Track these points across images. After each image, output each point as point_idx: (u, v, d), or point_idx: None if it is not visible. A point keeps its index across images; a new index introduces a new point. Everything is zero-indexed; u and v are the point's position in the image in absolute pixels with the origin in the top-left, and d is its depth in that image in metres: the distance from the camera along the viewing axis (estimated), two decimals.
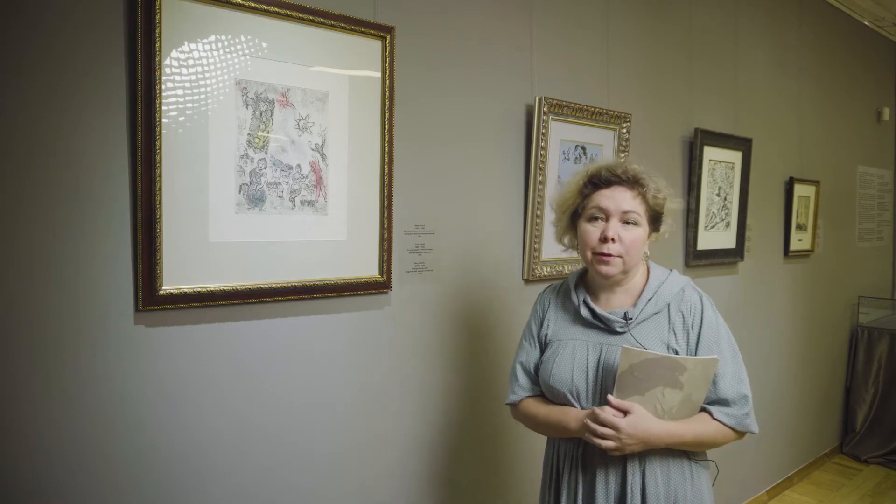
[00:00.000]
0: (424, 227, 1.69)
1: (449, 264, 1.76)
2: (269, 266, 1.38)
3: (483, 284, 1.85)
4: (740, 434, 1.23)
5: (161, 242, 1.22)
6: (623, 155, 2.18)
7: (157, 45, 1.19)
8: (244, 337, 1.37)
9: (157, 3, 1.18)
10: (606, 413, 1.14)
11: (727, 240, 2.76)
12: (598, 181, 1.25)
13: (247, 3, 1.30)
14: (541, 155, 1.91)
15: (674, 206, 1.29)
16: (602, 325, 1.25)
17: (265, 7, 1.33)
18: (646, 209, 1.24)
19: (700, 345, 1.22)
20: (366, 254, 1.55)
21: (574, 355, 1.25)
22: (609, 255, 1.21)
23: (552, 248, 2.01)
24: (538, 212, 1.93)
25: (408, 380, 1.68)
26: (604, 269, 1.22)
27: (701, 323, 1.23)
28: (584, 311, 1.27)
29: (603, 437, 1.14)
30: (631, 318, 1.23)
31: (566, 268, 2.05)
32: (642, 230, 1.23)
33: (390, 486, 1.65)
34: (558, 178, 1.99)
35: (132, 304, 1.22)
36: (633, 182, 1.23)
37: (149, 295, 1.22)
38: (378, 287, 1.57)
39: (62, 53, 1.13)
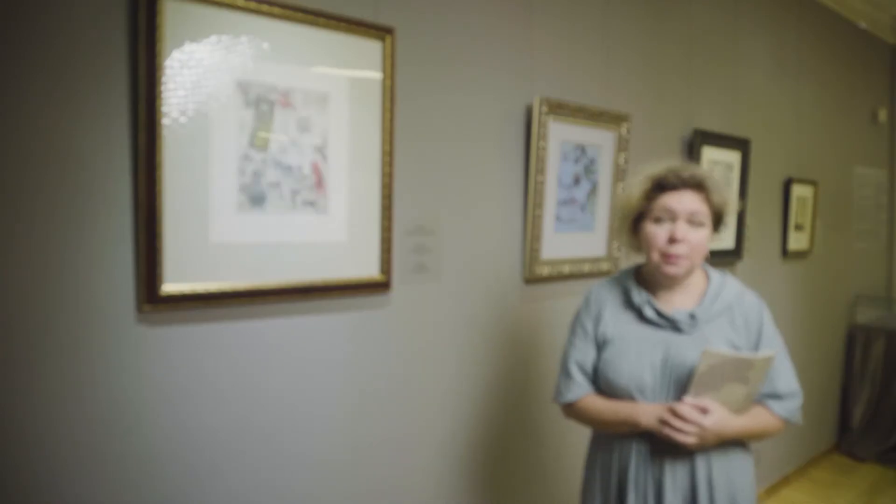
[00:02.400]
0: (425, 228, 1.69)
1: (449, 265, 1.76)
2: (270, 266, 1.38)
3: (483, 285, 1.85)
4: (787, 425, 1.32)
5: (162, 243, 1.22)
6: (623, 155, 2.18)
7: (159, 45, 1.19)
8: (245, 337, 1.37)
9: (159, 3, 1.18)
10: (688, 410, 1.18)
11: (726, 240, 2.77)
12: (664, 184, 1.28)
13: (248, 4, 1.30)
14: (540, 155, 1.91)
15: (735, 206, 1.33)
16: (667, 324, 1.29)
17: (266, 8, 1.33)
18: (710, 211, 1.28)
19: (761, 344, 1.29)
20: (366, 254, 1.55)
21: (640, 353, 1.28)
22: (677, 255, 1.25)
23: (552, 248, 2.01)
24: (538, 212, 1.94)
25: (408, 380, 1.68)
26: (671, 269, 1.27)
27: (762, 324, 1.30)
28: (649, 311, 1.31)
29: (685, 432, 1.18)
30: (697, 318, 1.27)
31: (566, 268, 2.05)
32: (707, 231, 1.28)
33: (390, 488, 1.65)
34: (558, 178, 2.00)
35: (133, 304, 1.22)
36: (699, 186, 1.28)
37: (150, 295, 1.22)
38: (378, 287, 1.57)
39: (63, 54, 1.13)
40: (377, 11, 1.55)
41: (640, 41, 2.35)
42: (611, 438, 1.35)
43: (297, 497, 1.47)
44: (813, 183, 3.37)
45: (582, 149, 2.06)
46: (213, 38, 1.27)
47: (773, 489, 3.22)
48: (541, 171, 1.92)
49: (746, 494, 1.29)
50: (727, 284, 1.33)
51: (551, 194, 1.98)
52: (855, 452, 3.69)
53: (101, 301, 1.18)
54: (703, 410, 1.19)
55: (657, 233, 1.27)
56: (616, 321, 1.35)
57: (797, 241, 3.30)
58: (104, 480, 1.19)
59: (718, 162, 2.68)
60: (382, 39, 1.53)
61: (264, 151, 1.36)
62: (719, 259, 2.74)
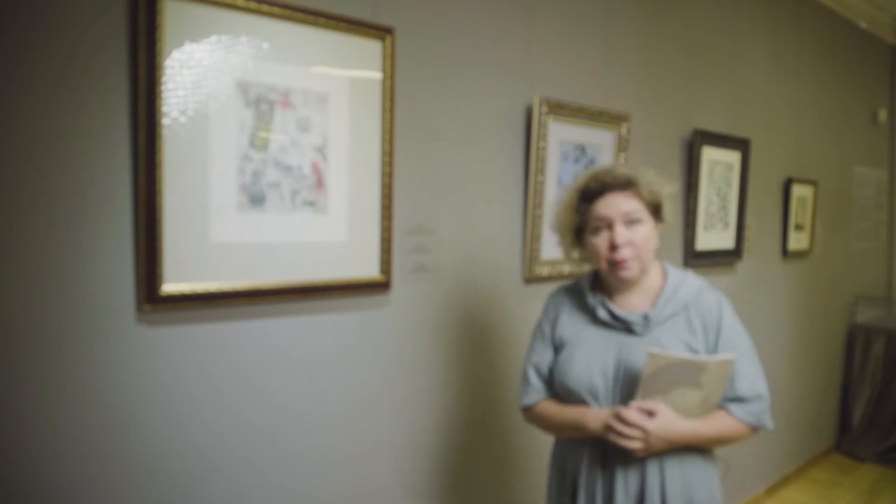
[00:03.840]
0: (425, 228, 1.69)
1: (449, 264, 1.76)
2: (270, 266, 1.38)
3: (483, 284, 1.85)
4: (755, 430, 1.26)
5: (162, 243, 1.22)
6: (622, 155, 2.18)
7: (159, 45, 1.19)
8: (245, 337, 1.37)
9: (159, 3, 1.18)
10: (633, 414, 1.15)
11: (726, 240, 2.77)
12: (590, 194, 1.25)
13: (248, 4, 1.30)
14: (540, 155, 1.91)
15: (670, 191, 1.29)
16: (620, 326, 1.26)
17: (266, 8, 1.33)
18: (645, 205, 1.24)
19: (720, 345, 1.23)
20: (366, 254, 1.55)
21: (591, 356, 1.25)
22: (623, 259, 1.21)
23: (552, 249, 2.01)
24: (538, 212, 1.94)
25: (408, 380, 1.68)
26: (624, 273, 1.23)
27: (720, 324, 1.24)
28: (603, 313, 1.27)
29: (629, 437, 1.14)
30: (650, 320, 1.23)
31: (566, 268, 2.05)
32: (647, 226, 1.24)
33: (390, 487, 1.65)
34: (558, 178, 2.00)
35: (133, 304, 1.22)
36: (625, 184, 1.23)
37: (150, 295, 1.22)
38: (378, 287, 1.57)
39: (63, 54, 1.13)
40: (377, 11, 1.55)
41: (640, 41, 2.35)
42: (566, 443, 1.33)
43: (296, 496, 1.47)
44: (813, 183, 3.37)
45: (582, 149, 2.06)
46: (213, 38, 1.27)
47: (773, 489, 3.22)
48: (541, 171, 1.92)
49: None
50: (685, 283, 1.27)
51: (551, 194, 1.98)
52: (855, 452, 3.69)
53: (101, 301, 1.18)
54: (650, 413, 1.15)
55: (598, 243, 1.24)
56: (572, 324, 1.32)
57: (797, 241, 3.30)
58: (104, 480, 1.19)
59: (718, 162, 2.68)
60: (382, 39, 1.53)
61: (264, 151, 1.36)
62: (720, 259, 2.74)
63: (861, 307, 3.98)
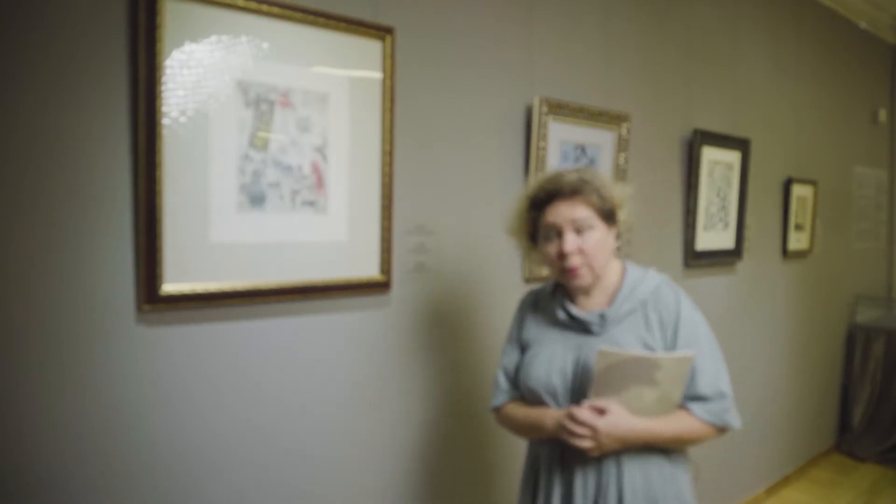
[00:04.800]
0: (425, 228, 1.69)
1: (449, 264, 1.76)
2: (270, 266, 1.38)
3: (483, 284, 1.85)
4: (721, 430, 1.22)
5: (162, 243, 1.22)
6: (622, 155, 2.18)
7: (159, 45, 1.19)
8: (244, 337, 1.37)
9: (159, 3, 1.18)
10: (583, 412, 1.13)
11: (726, 240, 2.77)
12: (538, 202, 1.24)
13: (248, 4, 1.30)
14: (540, 155, 1.91)
15: (625, 194, 1.27)
16: (578, 326, 1.25)
17: (266, 8, 1.33)
18: (595, 210, 1.21)
19: (678, 342, 1.21)
20: (366, 254, 1.55)
21: (552, 357, 1.25)
22: (573, 267, 1.21)
23: None
24: None
25: (408, 380, 1.68)
26: (575, 281, 1.23)
27: (678, 320, 1.22)
28: (561, 314, 1.27)
29: (580, 436, 1.13)
30: (607, 319, 1.23)
31: None
32: (599, 232, 1.22)
33: (390, 487, 1.65)
34: None
35: (133, 304, 1.22)
36: (572, 192, 1.20)
37: (150, 295, 1.22)
38: (378, 287, 1.57)
39: (63, 54, 1.13)
40: (377, 11, 1.55)
41: (640, 41, 2.35)
42: (533, 444, 1.33)
43: (295, 496, 1.47)
44: (813, 183, 3.37)
45: (582, 149, 2.06)
46: (213, 38, 1.27)
47: (773, 489, 3.22)
48: (541, 171, 1.92)
49: None
50: (644, 280, 1.26)
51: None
52: (855, 452, 3.69)
53: (101, 301, 1.18)
54: (601, 412, 1.13)
55: (548, 251, 1.23)
56: (536, 325, 1.32)
57: (797, 241, 3.30)
58: (104, 480, 1.19)
59: (718, 162, 2.68)
60: (382, 39, 1.53)
61: (264, 151, 1.36)
62: (720, 259, 2.74)
63: (861, 307, 3.98)
